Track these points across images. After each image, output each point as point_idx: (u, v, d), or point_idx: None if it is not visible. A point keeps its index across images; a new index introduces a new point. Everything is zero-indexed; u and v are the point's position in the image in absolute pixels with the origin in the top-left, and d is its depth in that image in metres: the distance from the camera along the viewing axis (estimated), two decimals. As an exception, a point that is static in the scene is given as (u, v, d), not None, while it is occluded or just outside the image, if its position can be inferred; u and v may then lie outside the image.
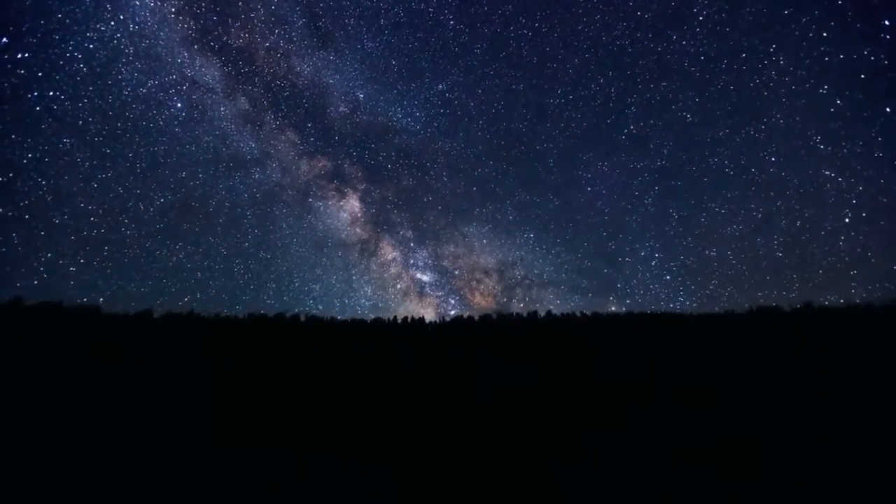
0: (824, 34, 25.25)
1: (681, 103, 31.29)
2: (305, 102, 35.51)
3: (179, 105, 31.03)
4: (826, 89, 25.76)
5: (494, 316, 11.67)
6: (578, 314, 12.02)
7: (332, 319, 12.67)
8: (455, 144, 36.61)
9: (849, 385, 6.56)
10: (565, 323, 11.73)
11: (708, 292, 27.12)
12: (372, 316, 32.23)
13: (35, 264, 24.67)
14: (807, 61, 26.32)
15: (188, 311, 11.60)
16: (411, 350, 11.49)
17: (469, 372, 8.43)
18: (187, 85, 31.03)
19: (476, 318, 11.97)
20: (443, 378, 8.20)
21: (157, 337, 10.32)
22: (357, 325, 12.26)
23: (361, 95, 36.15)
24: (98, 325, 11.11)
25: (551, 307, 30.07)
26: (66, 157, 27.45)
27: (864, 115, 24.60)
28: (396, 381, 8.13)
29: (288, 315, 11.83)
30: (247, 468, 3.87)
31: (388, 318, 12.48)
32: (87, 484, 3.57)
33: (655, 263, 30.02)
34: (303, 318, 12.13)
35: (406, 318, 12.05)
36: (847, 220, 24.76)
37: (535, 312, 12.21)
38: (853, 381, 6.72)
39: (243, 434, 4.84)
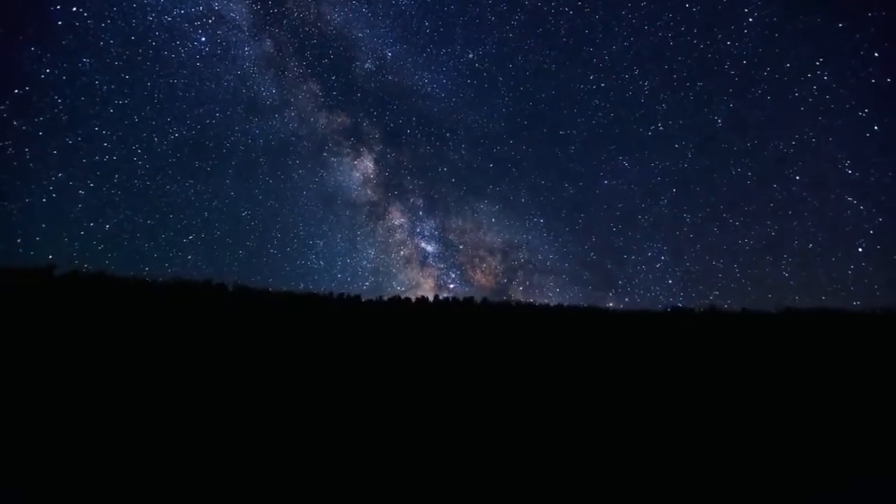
0: (875, 54, 23.48)
1: (714, 106, 29.27)
2: (331, 53, 32.59)
3: (203, 39, 28.47)
4: (865, 112, 23.99)
5: (430, 299, 11.73)
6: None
7: (265, 290, 12.17)
8: (478, 118, 34.08)
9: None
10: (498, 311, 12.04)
11: (707, 302, 26.33)
12: (372, 278, 31.48)
13: (45, 182, 22.86)
14: (851, 80, 24.40)
15: (98, 271, 10.61)
16: (344, 328, 11.34)
17: (398, 355, 8.46)
18: (213, 19, 28.41)
19: (413, 299, 11.98)
20: (375, 359, 8.17)
21: (58, 298, 9.37)
22: (288, 297, 11.88)
23: (389, 54, 33.40)
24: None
25: (550, 294, 29.90)
26: (83, 78, 24.76)
27: (901, 144, 22.95)
28: (323, 360, 8.00)
29: (214, 283, 11.19)
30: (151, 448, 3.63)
31: (323, 293, 12.19)
32: None
33: (660, 266, 28.73)
34: (231, 287, 11.54)
35: (342, 294, 11.82)
36: (860, 250, 23.36)
37: (450, 299, 12.40)
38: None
39: (142, 412, 4.54)
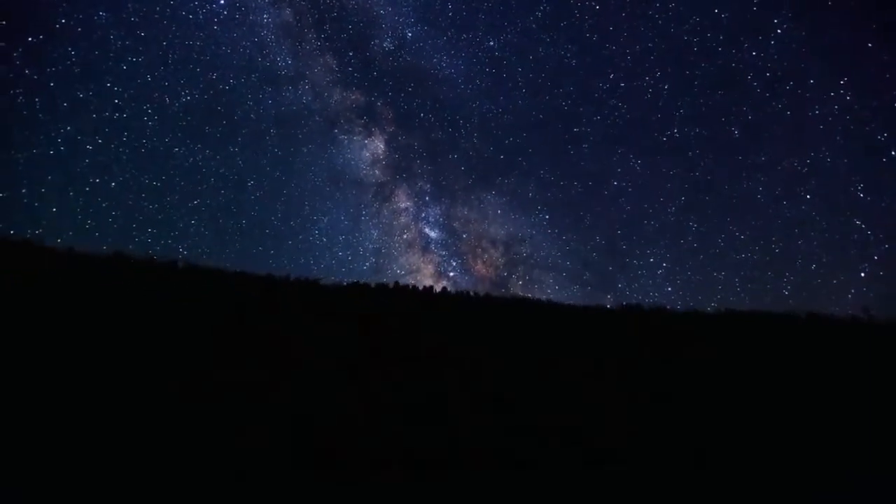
0: (901, 76, 22.79)
1: (732, 117, 28.78)
2: (351, 28, 31.37)
3: (222, 2, 27.24)
4: (884, 137, 23.65)
5: (391, 286, 11.62)
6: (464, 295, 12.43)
7: (220, 270, 11.67)
8: (493, 107, 32.90)
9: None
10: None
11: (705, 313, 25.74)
12: (373, 259, 30.24)
13: (53, 134, 22.83)
14: (874, 102, 23.93)
15: (24, 239, 9.80)
16: (306, 309, 11.07)
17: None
18: (232, -19, 25.95)
19: (372, 285, 11.84)
20: (328, 345, 8.01)
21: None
22: (246, 278, 11.45)
23: (409, 34, 32.37)
24: None
25: (549, 291, 29.48)
26: (99, 32, 24.59)
27: (918, 171, 21.90)
28: (273, 344, 7.76)
29: (157, 259, 10.61)
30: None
31: (280, 276, 11.83)
32: None
33: (661, 273, 29.13)
34: (181, 265, 10.98)
35: (299, 277, 11.51)
36: (862, 275, 23.51)
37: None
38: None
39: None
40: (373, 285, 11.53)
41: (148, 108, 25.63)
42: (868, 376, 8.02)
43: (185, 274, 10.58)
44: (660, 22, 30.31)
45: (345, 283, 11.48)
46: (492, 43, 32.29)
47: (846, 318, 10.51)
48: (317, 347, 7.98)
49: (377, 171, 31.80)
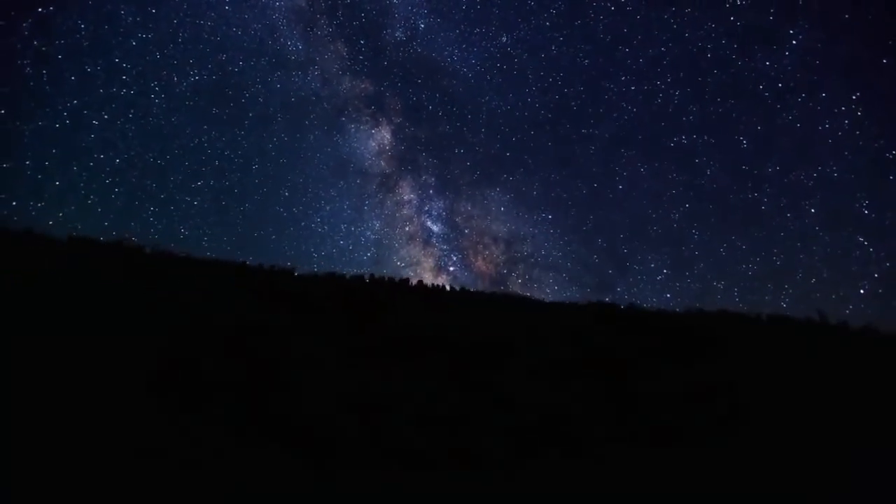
0: (916, 93, 22.38)
1: (742, 127, 27.56)
2: (363, 16, 30.57)
3: None
4: (893, 154, 22.71)
5: (367, 279, 11.55)
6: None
7: (188, 257, 11.41)
8: (502, 103, 32.12)
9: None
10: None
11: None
12: (373, 249, 29.59)
13: (59, 108, 21.94)
14: (884, 119, 23.12)
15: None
16: (281, 295, 10.94)
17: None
18: (245, -38, 25.46)
19: (347, 276, 11.77)
20: (294, 336, 7.95)
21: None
22: (220, 265, 11.22)
23: (422, 25, 31.65)
24: None
25: (548, 291, 29.17)
26: (109, 6, 23.62)
27: (926, 190, 21.97)
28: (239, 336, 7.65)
29: (126, 244, 10.29)
30: None
31: (255, 265, 11.65)
32: None
33: (661, 279, 28.07)
34: (148, 250, 10.70)
35: (272, 266, 11.36)
36: (862, 292, 22.84)
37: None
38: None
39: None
40: (347, 276, 11.47)
41: (155, 86, 24.83)
42: (819, 371, 8.47)
43: (155, 263, 10.31)
44: (675, 26, 28.48)
45: (317, 274, 11.38)
46: (504, 39, 31.37)
47: (802, 320, 11.04)
48: (285, 336, 7.92)
49: (382, 162, 31.29)
